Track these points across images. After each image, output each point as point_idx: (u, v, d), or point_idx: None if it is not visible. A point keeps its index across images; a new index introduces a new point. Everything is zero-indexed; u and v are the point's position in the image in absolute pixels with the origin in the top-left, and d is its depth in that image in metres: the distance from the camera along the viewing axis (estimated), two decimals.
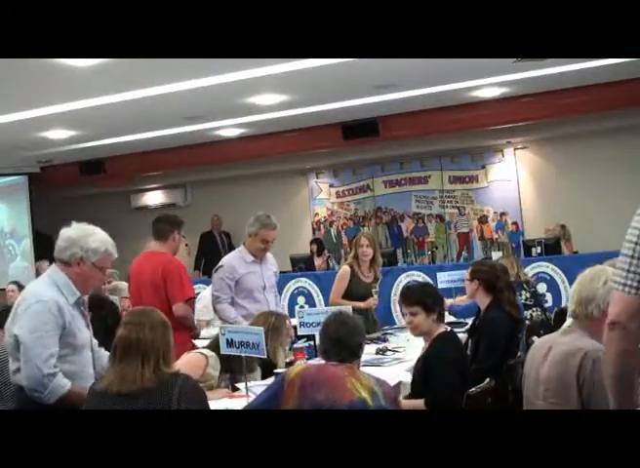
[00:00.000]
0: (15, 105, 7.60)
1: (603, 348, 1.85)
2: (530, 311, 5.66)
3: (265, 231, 5.03)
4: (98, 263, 3.30)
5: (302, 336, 4.70)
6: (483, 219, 10.69)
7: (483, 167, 10.66)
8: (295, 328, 4.66)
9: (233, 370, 3.81)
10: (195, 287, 5.58)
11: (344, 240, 11.46)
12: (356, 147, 10.18)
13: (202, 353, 3.82)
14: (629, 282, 1.74)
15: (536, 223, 10.10)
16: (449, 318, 5.14)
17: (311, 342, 4.59)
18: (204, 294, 6.56)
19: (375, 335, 5.28)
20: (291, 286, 8.90)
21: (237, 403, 3.39)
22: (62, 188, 11.99)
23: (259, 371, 4.02)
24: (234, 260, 5.05)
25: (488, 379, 3.69)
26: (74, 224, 3.36)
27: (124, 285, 6.20)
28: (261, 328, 3.67)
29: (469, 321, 5.00)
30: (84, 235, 3.30)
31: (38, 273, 9.18)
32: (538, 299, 5.93)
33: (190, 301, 4.86)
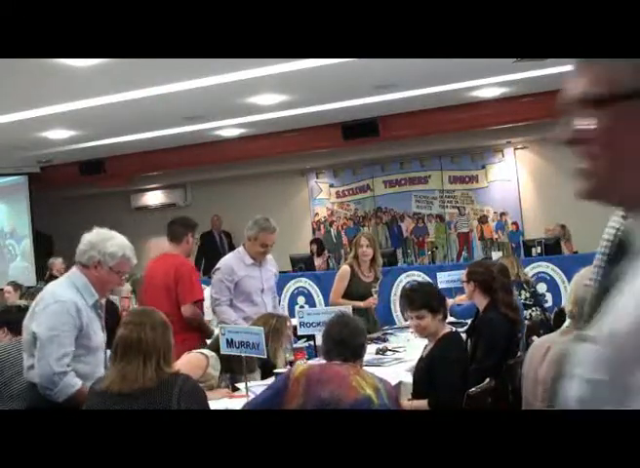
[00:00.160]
0: (15, 105, 7.60)
1: None
2: (530, 311, 5.66)
3: (264, 235, 4.94)
4: (115, 267, 3.38)
5: (302, 336, 4.70)
6: (483, 219, 10.69)
7: (483, 167, 10.66)
8: (295, 328, 4.66)
9: (233, 370, 3.81)
10: None
11: (344, 240, 11.46)
12: (356, 147, 10.18)
13: (202, 353, 3.82)
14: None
15: (536, 223, 10.10)
16: (449, 318, 5.14)
17: (311, 342, 4.59)
18: (204, 295, 6.57)
19: (375, 335, 5.28)
20: (291, 286, 8.90)
21: (237, 403, 3.39)
22: (62, 188, 11.99)
23: (258, 372, 4.02)
24: (233, 262, 5.01)
25: (488, 379, 3.68)
26: (95, 229, 3.46)
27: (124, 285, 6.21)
28: (262, 328, 3.67)
29: (469, 321, 5.00)
30: (102, 239, 3.39)
31: (50, 270, 9.18)
32: (537, 299, 5.93)
33: (198, 303, 4.92)
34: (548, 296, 7.51)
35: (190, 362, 3.67)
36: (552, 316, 5.78)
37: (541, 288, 7.48)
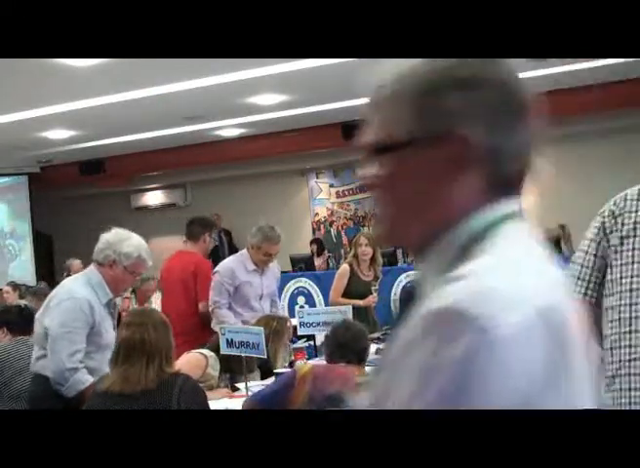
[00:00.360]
0: (15, 105, 7.60)
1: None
2: None
3: (268, 245, 4.78)
4: (129, 267, 3.43)
5: (302, 336, 4.70)
6: None
7: None
8: (295, 328, 4.65)
9: (233, 370, 3.81)
10: None
11: (344, 240, 11.46)
12: (356, 147, 10.16)
13: (202, 353, 3.82)
14: (577, 288, 1.85)
15: (536, 223, 10.09)
16: None
17: (311, 342, 4.59)
18: None
19: (375, 335, 5.27)
20: (291, 286, 8.90)
21: (237, 403, 3.39)
22: (62, 188, 11.99)
23: (258, 372, 4.02)
24: (234, 265, 4.92)
25: None
26: (114, 229, 3.53)
27: None
28: (262, 328, 3.67)
29: None
30: (119, 239, 3.45)
31: (69, 272, 9.14)
32: None
33: None
34: None
35: (190, 362, 3.67)
36: None
37: None
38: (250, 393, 3.48)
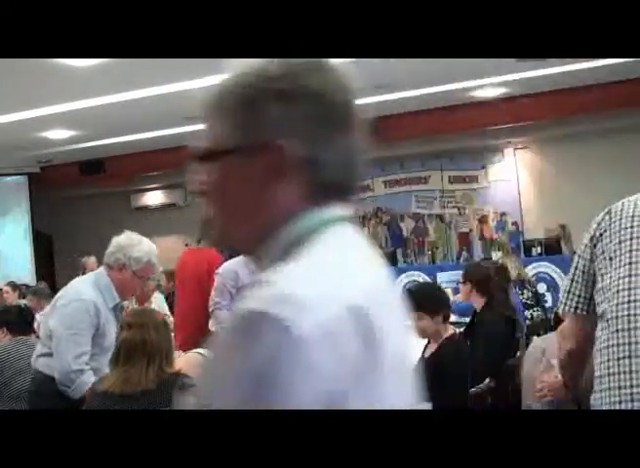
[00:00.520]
0: (15, 105, 7.60)
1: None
2: (531, 311, 5.66)
3: None
4: (138, 272, 3.44)
5: None
6: (483, 219, 10.69)
7: (483, 167, 10.65)
8: None
9: None
10: None
11: None
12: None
13: (199, 353, 3.82)
14: (568, 301, 1.92)
15: (536, 223, 10.10)
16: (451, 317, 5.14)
17: None
18: None
19: None
20: None
21: None
22: (62, 188, 11.98)
23: None
24: (238, 267, 4.88)
25: (488, 379, 3.68)
26: (127, 232, 3.54)
27: None
28: None
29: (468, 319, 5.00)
30: (130, 244, 3.46)
31: (83, 270, 9.11)
32: (539, 299, 5.94)
33: None
34: (548, 296, 7.52)
35: (189, 362, 3.67)
36: (552, 316, 5.78)
37: (541, 288, 7.49)
38: None
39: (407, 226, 11.15)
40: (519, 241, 9.68)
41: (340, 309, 0.81)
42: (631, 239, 1.77)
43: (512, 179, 10.47)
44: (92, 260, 8.75)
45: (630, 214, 1.83)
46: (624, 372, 1.64)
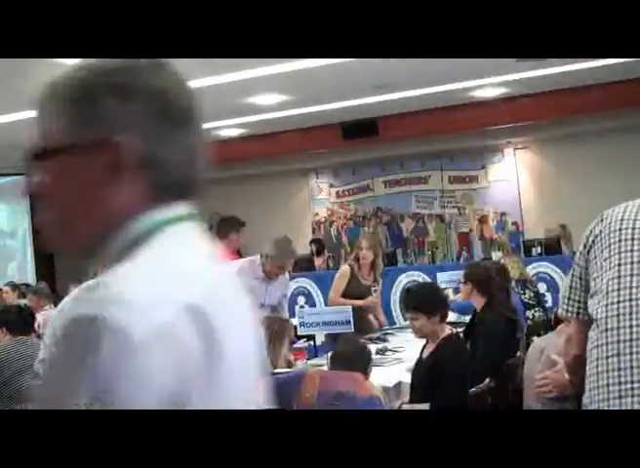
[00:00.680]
0: (15, 105, 7.60)
1: None
2: (532, 311, 5.66)
3: (282, 259, 4.65)
4: None
5: (302, 336, 4.69)
6: (483, 219, 10.69)
7: (483, 167, 10.66)
8: (295, 328, 4.65)
9: None
10: None
11: (344, 240, 11.46)
12: (356, 147, 10.18)
13: None
14: (569, 307, 1.94)
15: (536, 223, 10.10)
16: (451, 316, 5.14)
17: (311, 342, 4.59)
18: None
19: (375, 335, 5.28)
20: (291, 286, 8.90)
21: None
22: None
23: None
24: (240, 270, 4.86)
25: (488, 379, 3.68)
26: None
27: None
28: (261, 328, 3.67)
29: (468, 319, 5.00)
30: None
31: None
32: (540, 299, 5.94)
33: None
34: (548, 296, 7.52)
35: None
36: (553, 316, 5.78)
37: (542, 288, 7.49)
38: None
39: (407, 226, 11.16)
40: (519, 241, 9.68)
41: (176, 309, 0.78)
42: (620, 241, 1.79)
43: (512, 179, 10.47)
44: None
45: (619, 217, 1.85)
46: (613, 370, 1.66)
